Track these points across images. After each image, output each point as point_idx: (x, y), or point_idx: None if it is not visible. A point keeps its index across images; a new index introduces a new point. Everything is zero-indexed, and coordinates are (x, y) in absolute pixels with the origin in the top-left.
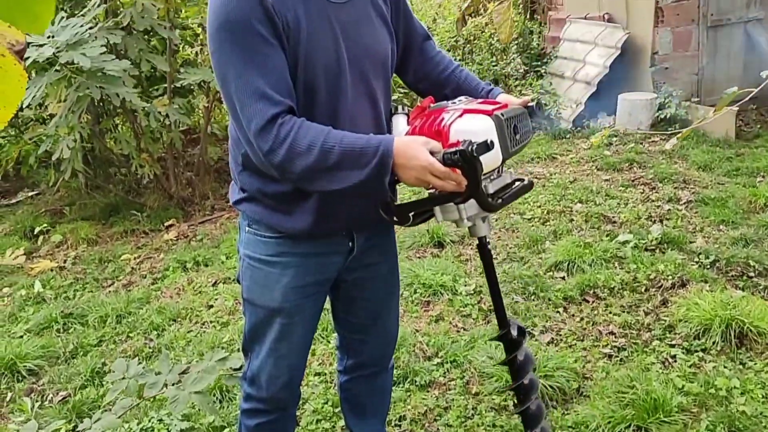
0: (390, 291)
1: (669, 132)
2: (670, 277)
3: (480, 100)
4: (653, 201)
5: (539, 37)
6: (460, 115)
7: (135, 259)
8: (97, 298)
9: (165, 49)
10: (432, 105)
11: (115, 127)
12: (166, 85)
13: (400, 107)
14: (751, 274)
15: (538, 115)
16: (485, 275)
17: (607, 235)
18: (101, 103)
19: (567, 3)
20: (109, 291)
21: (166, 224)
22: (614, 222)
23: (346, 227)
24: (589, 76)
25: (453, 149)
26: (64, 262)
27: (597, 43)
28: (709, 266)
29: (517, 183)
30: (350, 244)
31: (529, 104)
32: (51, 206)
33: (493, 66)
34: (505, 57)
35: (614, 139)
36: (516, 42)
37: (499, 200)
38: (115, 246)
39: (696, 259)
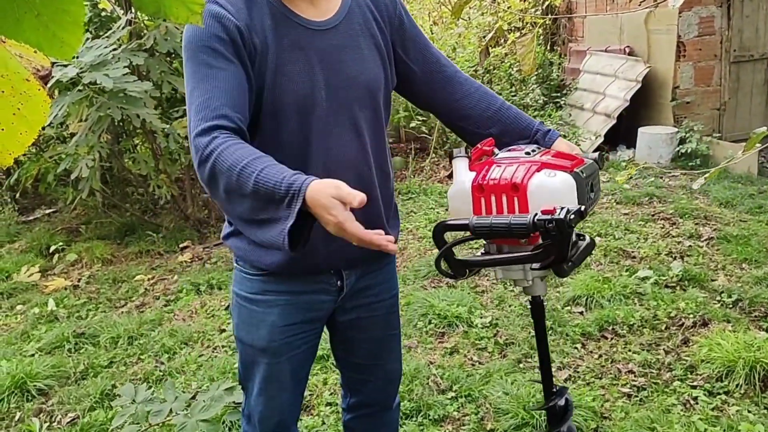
0: (390, 332)
1: (691, 167)
2: (692, 316)
3: (553, 152)
4: (674, 237)
5: (559, 68)
6: (538, 169)
7: (149, 280)
8: (110, 319)
9: None
10: (497, 151)
11: (134, 147)
12: (186, 107)
13: (458, 150)
14: None
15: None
16: (536, 336)
17: (626, 271)
18: (121, 123)
19: (587, 35)
20: (122, 312)
21: (181, 245)
22: (634, 257)
23: (329, 265)
24: (609, 108)
25: (548, 216)
26: (78, 281)
27: (617, 75)
28: (731, 305)
29: (580, 242)
30: (338, 283)
31: (598, 159)
32: (67, 224)
33: (513, 96)
34: (524, 87)
35: (634, 172)
36: (536, 73)
37: (569, 263)
38: (130, 266)
39: (718, 298)
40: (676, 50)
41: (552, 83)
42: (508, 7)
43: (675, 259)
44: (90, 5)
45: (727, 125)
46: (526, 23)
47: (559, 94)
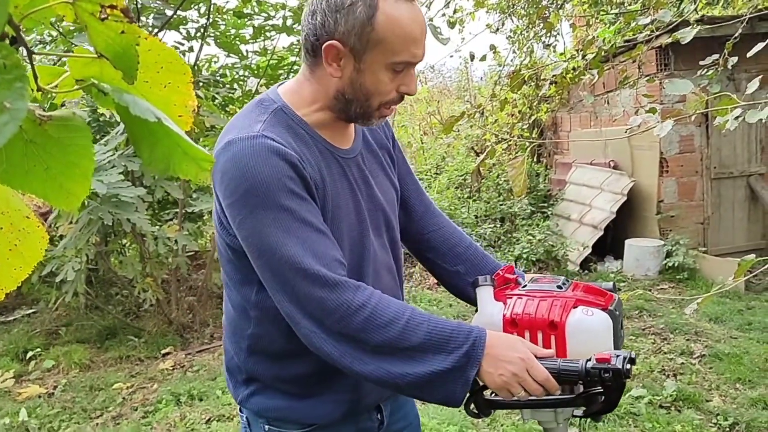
0: None
1: (678, 280)
2: None
3: (583, 284)
4: (665, 353)
5: (545, 179)
6: (574, 305)
7: (127, 388)
8: (84, 431)
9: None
10: (522, 281)
11: (122, 247)
12: (177, 210)
13: (484, 278)
14: None
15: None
16: None
17: None
18: (111, 225)
19: (573, 149)
20: (97, 423)
21: (162, 351)
22: None
23: (375, 399)
24: (596, 220)
25: (604, 365)
26: (54, 388)
27: (603, 188)
28: (728, 429)
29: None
30: (379, 416)
31: (613, 290)
32: (47, 326)
33: (501, 205)
34: (512, 197)
35: (622, 284)
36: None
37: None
38: (108, 373)
39: (714, 421)
40: (660, 166)
41: (539, 193)
42: (495, 121)
43: (668, 377)
44: (90, 110)
45: (712, 239)
46: (513, 136)
47: (546, 204)
